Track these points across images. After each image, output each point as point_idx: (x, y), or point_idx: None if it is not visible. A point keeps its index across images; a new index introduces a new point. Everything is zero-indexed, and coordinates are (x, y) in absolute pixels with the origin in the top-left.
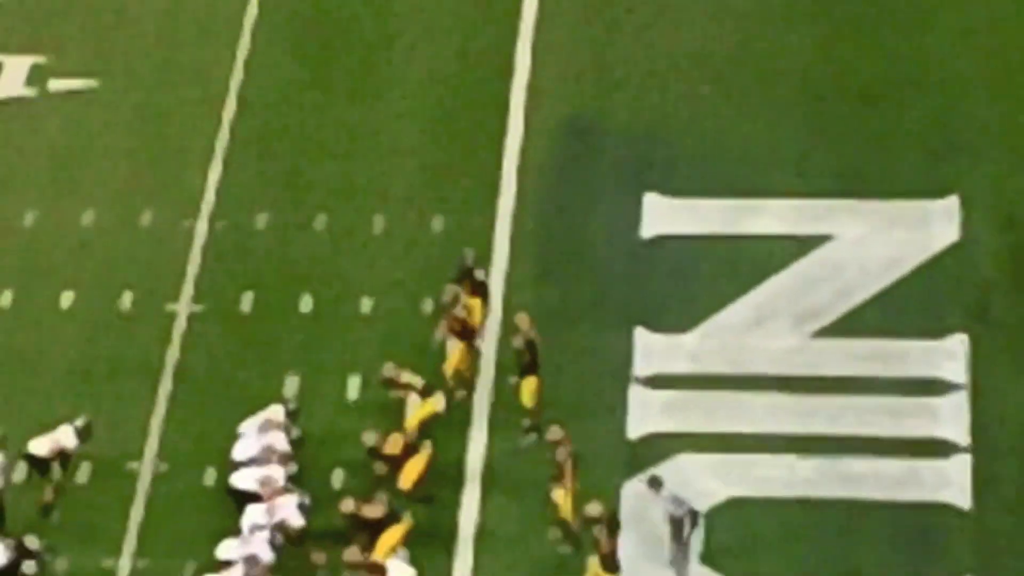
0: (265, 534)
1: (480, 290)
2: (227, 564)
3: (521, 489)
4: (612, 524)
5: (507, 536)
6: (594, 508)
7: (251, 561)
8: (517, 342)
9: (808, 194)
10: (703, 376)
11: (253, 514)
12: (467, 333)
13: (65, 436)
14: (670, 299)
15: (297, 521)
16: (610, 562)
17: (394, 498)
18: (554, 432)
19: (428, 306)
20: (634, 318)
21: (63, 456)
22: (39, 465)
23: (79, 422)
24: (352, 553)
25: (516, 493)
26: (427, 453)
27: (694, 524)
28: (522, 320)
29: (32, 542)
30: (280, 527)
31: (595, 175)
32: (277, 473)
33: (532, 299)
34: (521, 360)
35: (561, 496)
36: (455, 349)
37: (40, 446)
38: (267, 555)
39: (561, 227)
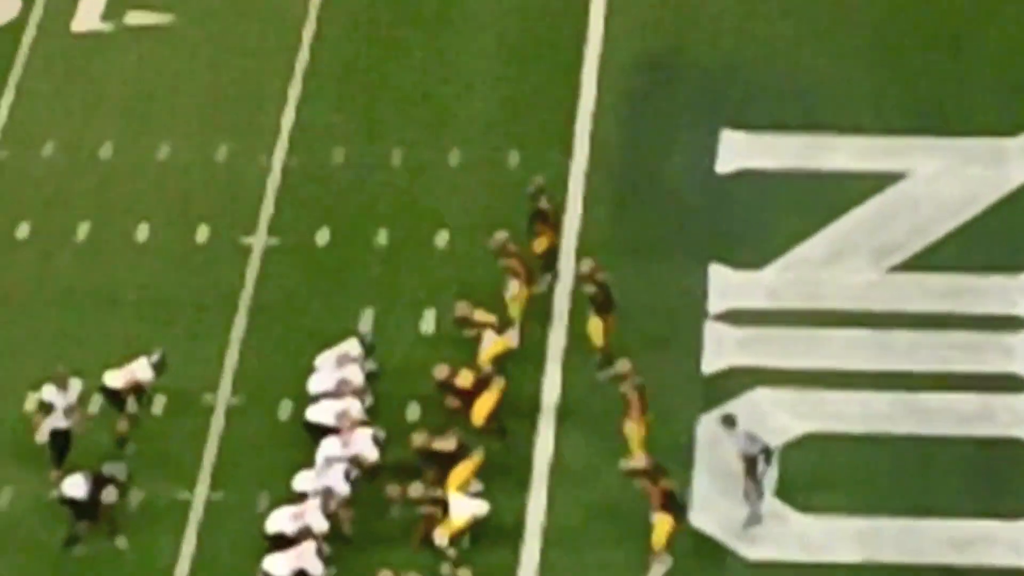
0: (341, 467)
1: (544, 218)
2: (302, 496)
3: (595, 423)
4: (655, 472)
5: (581, 470)
6: (638, 461)
7: (327, 493)
8: (588, 288)
9: (884, 131)
10: (779, 311)
11: (328, 447)
12: (527, 273)
13: (141, 369)
14: (746, 234)
15: (372, 455)
16: (669, 504)
17: (467, 433)
18: (621, 365)
19: (504, 238)
20: (710, 254)
21: (138, 389)
22: (114, 398)
23: (154, 355)
24: (417, 488)
25: (590, 427)
26: (499, 388)
27: (768, 461)
28: (587, 265)
29: (113, 469)
30: (355, 460)
31: (671, 110)
32: (353, 406)
33: (607, 234)
34: (595, 301)
35: (631, 429)
36: (517, 293)
37: (115, 379)
38: (342, 488)
39: (637, 162)
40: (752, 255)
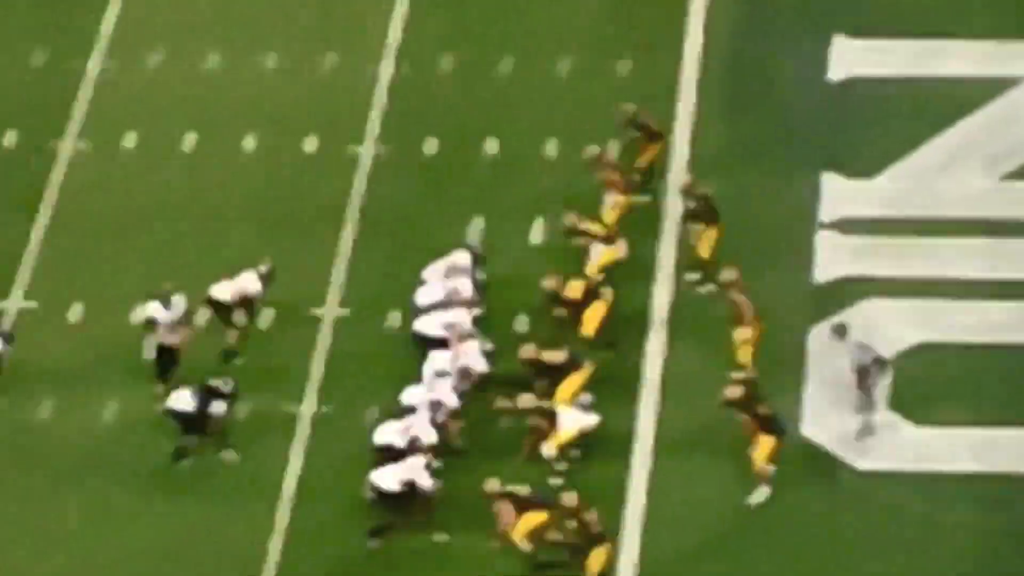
0: (449, 380)
1: (646, 132)
2: (411, 409)
3: (706, 334)
4: (748, 401)
5: (691, 381)
6: (732, 391)
7: (435, 406)
8: (688, 203)
9: (999, 35)
10: (892, 220)
11: (437, 360)
12: (625, 184)
13: (249, 281)
14: (859, 142)
15: (480, 366)
16: (769, 426)
17: (576, 345)
18: (727, 274)
19: (615, 149)
20: (823, 162)
21: (246, 301)
22: (222, 310)
23: (263, 267)
24: (525, 400)
25: (701, 338)
26: (608, 299)
27: (881, 371)
28: (686, 183)
29: (220, 381)
30: (464, 372)
31: (783, 17)
32: (462, 318)
33: (719, 143)
34: (696, 215)
35: (741, 334)
36: (615, 203)
37: (223, 291)
38: (451, 400)
39: (748, 70)
40: (865, 163)
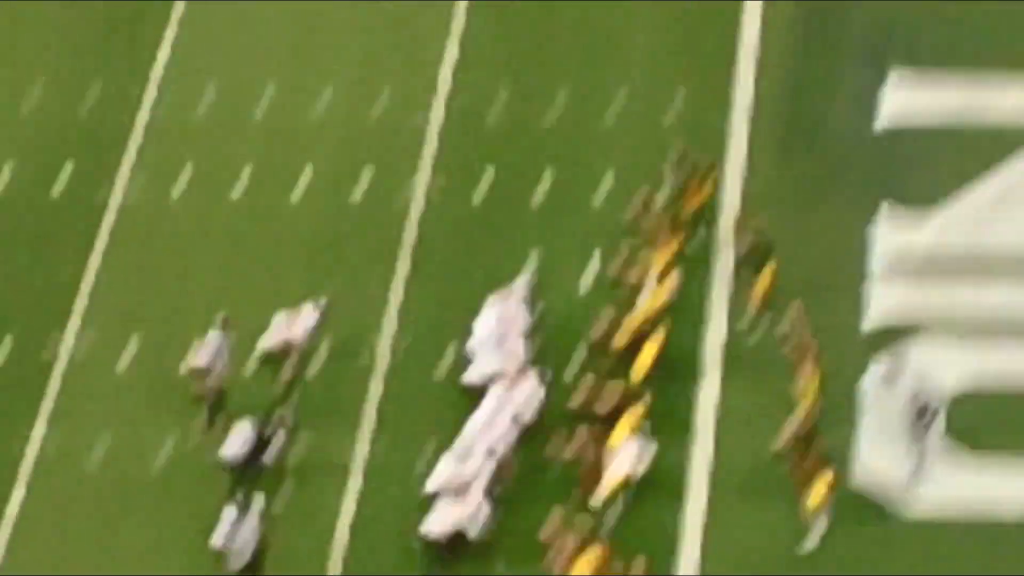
0: (506, 416)
1: (696, 172)
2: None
3: (762, 373)
4: (804, 442)
5: (748, 420)
6: (783, 441)
7: (490, 452)
8: (747, 243)
9: None
10: (947, 259)
11: (490, 403)
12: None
13: (307, 316)
14: (913, 180)
15: (529, 414)
16: (823, 466)
17: (630, 385)
18: (793, 310)
19: (665, 191)
20: (877, 200)
21: (291, 348)
22: (282, 347)
23: (321, 302)
24: (572, 448)
25: (757, 377)
26: (659, 339)
27: (934, 415)
28: (739, 224)
29: (279, 416)
30: (515, 418)
31: (836, 56)
32: (517, 347)
33: (770, 183)
34: (751, 255)
35: (804, 378)
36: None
37: (280, 329)
38: (506, 441)
39: (800, 109)
40: (919, 201)
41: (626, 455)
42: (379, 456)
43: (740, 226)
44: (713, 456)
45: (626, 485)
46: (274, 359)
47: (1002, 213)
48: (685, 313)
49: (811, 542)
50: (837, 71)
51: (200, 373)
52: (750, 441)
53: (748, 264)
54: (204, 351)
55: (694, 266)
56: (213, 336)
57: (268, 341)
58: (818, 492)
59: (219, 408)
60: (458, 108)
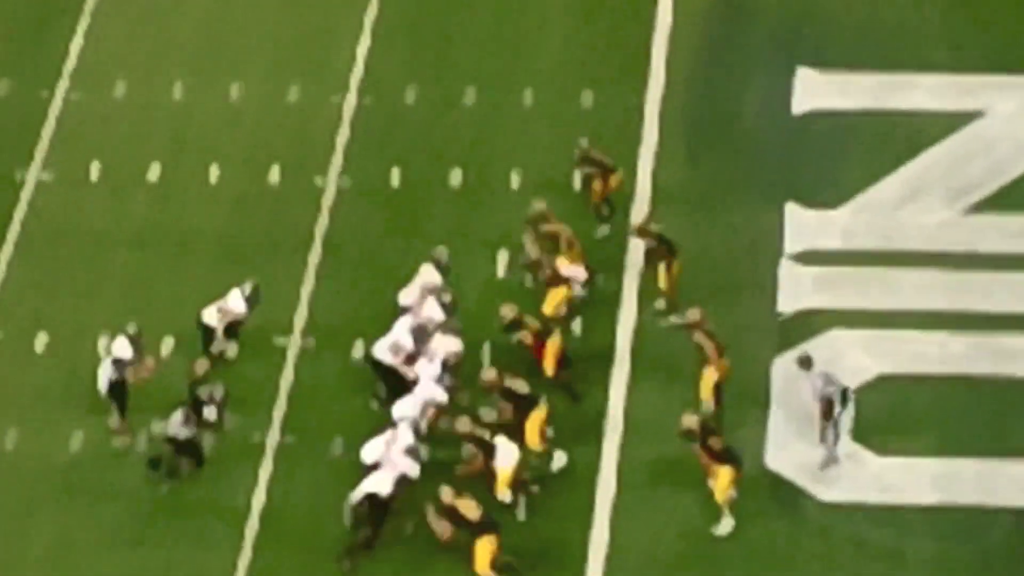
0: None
1: (600, 167)
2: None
3: (670, 371)
4: (703, 434)
5: (655, 415)
6: (688, 420)
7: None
8: (648, 243)
9: (960, 69)
10: (855, 252)
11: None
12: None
13: (234, 301)
14: (821, 175)
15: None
16: (726, 457)
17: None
18: (692, 314)
19: (577, 182)
20: (785, 194)
21: (233, 326)
22: (208, 335)
23: (247, 287)
24: (463, 423)
25: (664, 375)
26: (557, 338)
27: (845, 402)
28: (636, 225)
29: (208, 390)
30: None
31: (747, 50)
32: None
33: (682, 176)
34: (656, 252)
35: (705, 377)
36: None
37: (212, 315)
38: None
39: (712, 102)
40: (828, 195)
41: (504, 452)
42: (291, 441)
43: (640, 227)
44: (623, 447)
45: (516, 477)
46: (208, 337)
47: (910, 207)
48: (597, 307)
49: (723, 527)
50: (747, 65)
51: (119, 363)
52: (660, 432)
53: (656, 260)
54: (119, 347)
55: (605, 259)
56: (123, 343)
57: (208, 318)
58: (724, 477)
59: (125, 397)
60: (367, 105)
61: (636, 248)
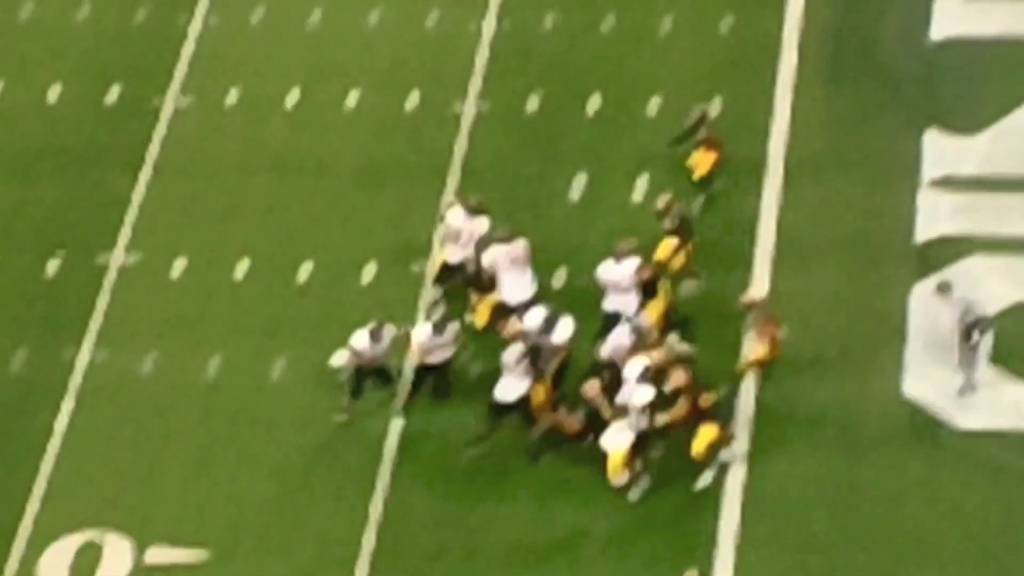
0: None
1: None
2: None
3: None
4: (695, 389)
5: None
6: (590, 388)
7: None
8: (669, 223)
9: None
10: (994, 178)
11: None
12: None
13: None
14: (960, 101)
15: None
16: (712, 415)
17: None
18: (756, 293)
19: (716, 107)
20: (924, 120)
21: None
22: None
23: (435, 315)
24: (592, 387)
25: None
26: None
27: (984, 328)
28: (665, 203)
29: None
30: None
31: None
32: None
33: (820, 101)
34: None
35: (752, 353)
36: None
37: (454, 254)
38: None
39: (851, 28)
40: (967, 121)
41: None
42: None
43: (667, 204)
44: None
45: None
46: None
47: None
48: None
49: (702, 481)
50: None
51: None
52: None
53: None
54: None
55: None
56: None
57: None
58: (701, 441)
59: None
60: (505, 31)
61: (770, 197)
